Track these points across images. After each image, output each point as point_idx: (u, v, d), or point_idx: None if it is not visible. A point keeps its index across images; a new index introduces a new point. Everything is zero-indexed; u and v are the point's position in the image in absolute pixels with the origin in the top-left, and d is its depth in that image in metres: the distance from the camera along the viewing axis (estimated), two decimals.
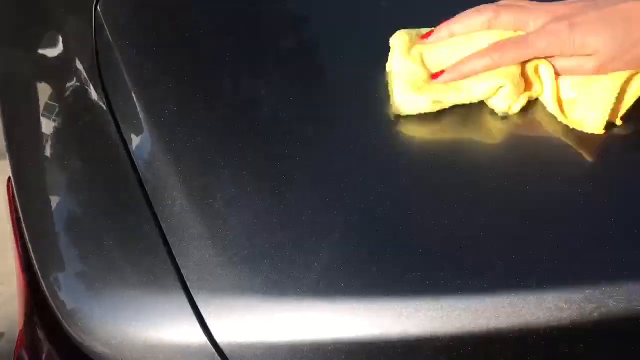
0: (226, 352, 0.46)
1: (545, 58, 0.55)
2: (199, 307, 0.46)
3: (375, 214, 0.49)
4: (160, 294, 0.47)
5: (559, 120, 0.55)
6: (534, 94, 0.56)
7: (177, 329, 0.46)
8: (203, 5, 0.66)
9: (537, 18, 0.54)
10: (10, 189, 0.59)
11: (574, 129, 0.54)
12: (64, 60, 0.64)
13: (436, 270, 0.47)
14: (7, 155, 0.59)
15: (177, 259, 0.48)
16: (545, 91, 0.56)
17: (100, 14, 0.64)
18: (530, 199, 0.51)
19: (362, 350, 0.46)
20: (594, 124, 0.54)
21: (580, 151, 0.54)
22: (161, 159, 0.54)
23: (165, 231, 0.50)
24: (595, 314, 0.45)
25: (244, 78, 0.60)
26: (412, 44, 0.57)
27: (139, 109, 0.57)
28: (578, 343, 0.46)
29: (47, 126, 0.59)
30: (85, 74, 0.61)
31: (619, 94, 0.54)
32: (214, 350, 0.46)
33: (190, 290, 0.47)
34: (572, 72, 0.55)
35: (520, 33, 0.55)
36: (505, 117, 0.55)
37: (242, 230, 0.49)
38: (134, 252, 0.49)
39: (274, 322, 0.46)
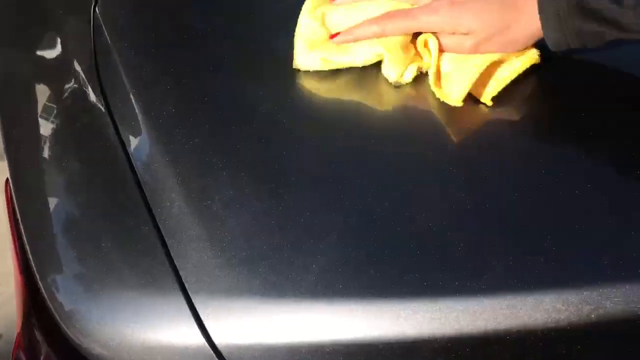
0: (224, 354, 0.46)
1: (434, 34, 0.58)
2: (197, 309, 0.46)
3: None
4: (158, 295, 0.47)
5: (432, 89, 0.58)
6: (423, 65, 0.59)
7: (175, 330, 0.46)
8: (201, 7, 0.66)
9: None
10: (8, 190, 0.59)
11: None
12: (63, 61, 0.64)
13: (434, 272, 0.47)
14: (5, 156, 0.59)
15: (175, 261, 0.48)
16: (431, 63, 0.59)
17: (99, 15, 0.64)
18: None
19: (360, 352, 0.46)
20: (455, 97, 0.57)
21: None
22: (159, 161, 0.54)
23: (163, 233, 0.50)
24: (593, 316, 0.45)
25: (243, 79, 0.60)
26: (321, 2, 0.62)
27: (137, 111, 0.57)
28: (576, 344, 0.46)
29: (45, 127, 0.59)
30: (83, 75, 0.61)
31: (489, 74, 0.57)
32: (212, 352, 0.46)
33: (189, 292, 0.47)
34: (453, 50, 0.58)
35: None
36: (398, 86, 0.59)
37: (240, 232, 0.49)
38: (132, 254, 0.49)
39: (272, 324, 0.46)
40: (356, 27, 0.59)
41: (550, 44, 0.57)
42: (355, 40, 0.59)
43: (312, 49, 0.59)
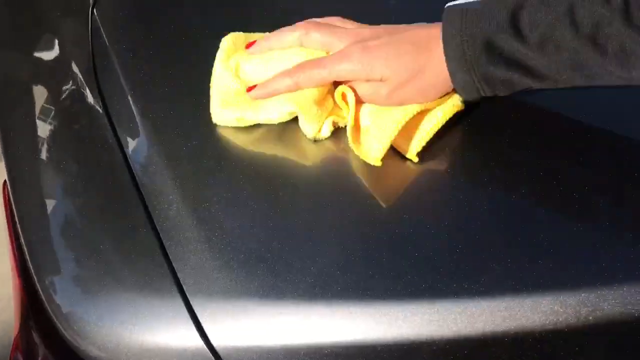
0: (222, 356, 0.46)
1: (349, 83, 0.54)
2: (195, 311, 0.46)
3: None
4: (156, 297, 0.47)
5: (350, 146, 0.53)
6: (339, 120, 0.55)
7: (173, 332, 0.46)
8: (199, 9, 0.66)
9: (341, 39, 0.53)
10: (6, 192, 0.59)
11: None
12: (61, 63, 0.64)
13: (432, 274, 0.47)
14: (2, 157, 0.59)
15: (173, 263, 0.48)
16: (348, 117, 0.54)
17: (97, 17, 0.64)
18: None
19: (358, 354, 0.46)
20: (374, 155, 0.52)
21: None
22: (157, 163, 0.54)
23: (161, 235, 0.50)
24: (590, 317, 0.46)
25: None
26: (236, 49, 0.58)
27: (135, 112, 0.57)
28: (573, 346, 0.47)
29: (43, 129, 0.59)
30: (81, 77, 0.61)
31: (411, 127, 0.53)
32: (210, 354, 0.46)
33: (186, 294, 0.47)
34: (371, 99, 0.54)
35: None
36: (317, 141, 0.55)
37: (237, 234, 0.49)
38: (130, 256, 0.49)
39: (270, 326, 0.46)
40: (271, 81, 0.55)
41: (459, 92, 0.52)
42: (270, 95, 0.55)
43: (226, 106, 0.55)
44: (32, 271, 0.51)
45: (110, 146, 0.56)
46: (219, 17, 0.66)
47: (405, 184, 0.53)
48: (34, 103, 0.62)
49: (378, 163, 0.52)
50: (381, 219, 0.51)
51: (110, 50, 0.61)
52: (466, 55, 0.49)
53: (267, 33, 0.59)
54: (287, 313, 0.46)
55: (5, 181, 0.59)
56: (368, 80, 0.53)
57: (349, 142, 0.53)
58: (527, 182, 0.52)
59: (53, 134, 0.59)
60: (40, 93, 0.63)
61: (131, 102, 0.58)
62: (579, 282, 0.46)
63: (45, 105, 0.61)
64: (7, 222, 0.58)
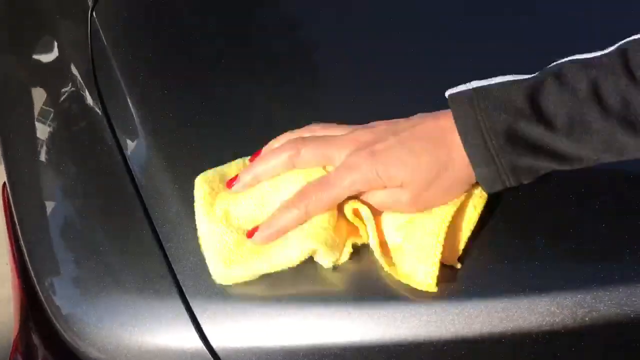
0: (222, 357, 0.46)
1: (360, 196, 0.47)
2: (195, 312, 0.47)
3: None
4: (155, 298, 0.47)
5: (386, 271, 0.46)
6: (358, 241, 0.48)
7: (172, 333, 0.46)
8: (199, 11, 0.67)
9: (340, 149, 0.47)
10: (5, 194, 0.59)
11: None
12: (60, 65, 0.64)
13: None
14: (1, 160, 0.59)
15: (172, 264, 0.48)
16: (369, 237, 0.47)
17: (96, 19, 0.64)
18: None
19: (357, 355, 0.46)
20: (424, 280, 0.45)
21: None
22: (157, 165, 0.54)
23: (160, 236, 0.50)
24: (587, 319, 0.46)
25: (239, 83, 0.60)
26: (216, 192, 0.49)
27: (134, 115, 0.57)
28: (570, 347, 0.47)
29: (43, 131, 0.59)
30: (80, 79, 0.61)
31: (447, 236, 0.46)
32: (210, 355, 0.46)
33: (186, 295, 0.47)
34: (391, 207, 0.48)
35: (330, 169, 0.48)
36: (335, 268, 0.48)
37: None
38: (130, 257, 0.49)
39: (269, 327, 0.46)
40: (274, 218, 0.47)
41: (484, 185, 0.47)
42: (279, 234, 0.47)
43: (231, 265, 0.46)
44: (32, 272, 0.51)
45: (110, 148, 0.56)
46: (218, 18, 0.66)
47: None
48: (34, 105, 0.62)
49: (434, 289, 0.45)
50: None
51: (109, 52, 0.61)
52: (488, 147, 0.44)
53: (241, 160, 0.51)
54: (286, 314, 0.46)
55: (4, 183, 0.59)
56: (385, 188, 0.46)
57: (383, 264, 0.46)
58: (524, 184, 0.52)
59: (52, 136, 0.59)
60: (39, 95, 0.63)
61: (130, 104, 0.58)
62: (575, 283, 0.47)
63: (44, 107, 0.61)
64: (7, 223, 0.58)
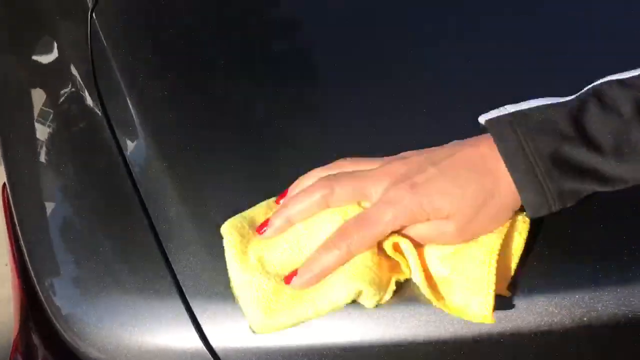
0: (222, 357, 0.46)
1: (401, 231, 0.45)
2: (195, 312, 0.47)
3: None
4: (156, 299, 0.47)
5: (435, 306, 0.45)
6: (401, 277, 0.46)
7: (172, 334, 0.47)
8: (198, 11, 0.67)
9: (376, 183, 0.46)
10: (5, 194, 0.59)
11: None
12: (60, 66, 0.64)
13: None
14: (1, 160, 0.59)
15: (172, 265, 0.48)
16: (412, 271, 0.45)
17: (96, 20, 0.64)
18: None
19: (356, 355, 0.46)
20: (479, 312, 0.43)
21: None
22: (156, 165, 0.54)
23: (160, 236, 0.50)
24: (585, 318, 0.46)
25: (239, 83, 0.60)
26: (247, 240, 0.47)
27: (134, 115, 0.57)
28: (568, 347, 0.47)
29: (43, 132, 0.59)
30: (80, 80, 0.61)
31: (498, 266, 0.44)
32: (210, 356, 0.46)
33: (186, 296, 0.47)
34: (434, 240, 0.46)
35: (366, 204, 0.46)
36: (377, 305, 0.46)
37: None
38: (130, 258, 0.50)
39: None
40: (314, 260, 0.45)
41: (529, 210, 0.45)
42: (320, 277, 0.45)
43: (272, 314, 0.44)
44: (32, 273, 0.52)
45: (110, 149, 0.56)
46: (218, 19, 0.66)
47: None
48: (33, 106, 0.62)
49: (490, 320, 0.44)
50: None
51: (109, 53, 0.61)
52: (536, 172, 0.44)
53: (265, 202, 0.49)
54: None
55: (4, 184, 0.59)
56: (428, 220, 0.45)
57: (431, 298, 0.44)
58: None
59: (52, 137, 0.59)
60: (39, 96, 0.63)
61: (130, 104, 0.58)
62: (573, 283, 0.47)
63: (44, 108, 0.61)
64: (7, 224, 0.58)
